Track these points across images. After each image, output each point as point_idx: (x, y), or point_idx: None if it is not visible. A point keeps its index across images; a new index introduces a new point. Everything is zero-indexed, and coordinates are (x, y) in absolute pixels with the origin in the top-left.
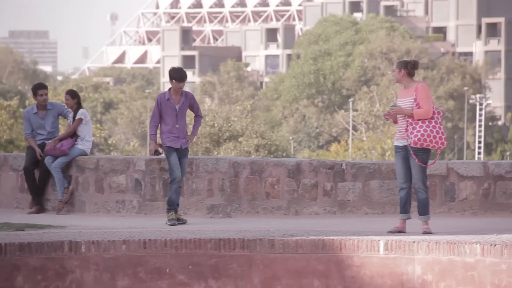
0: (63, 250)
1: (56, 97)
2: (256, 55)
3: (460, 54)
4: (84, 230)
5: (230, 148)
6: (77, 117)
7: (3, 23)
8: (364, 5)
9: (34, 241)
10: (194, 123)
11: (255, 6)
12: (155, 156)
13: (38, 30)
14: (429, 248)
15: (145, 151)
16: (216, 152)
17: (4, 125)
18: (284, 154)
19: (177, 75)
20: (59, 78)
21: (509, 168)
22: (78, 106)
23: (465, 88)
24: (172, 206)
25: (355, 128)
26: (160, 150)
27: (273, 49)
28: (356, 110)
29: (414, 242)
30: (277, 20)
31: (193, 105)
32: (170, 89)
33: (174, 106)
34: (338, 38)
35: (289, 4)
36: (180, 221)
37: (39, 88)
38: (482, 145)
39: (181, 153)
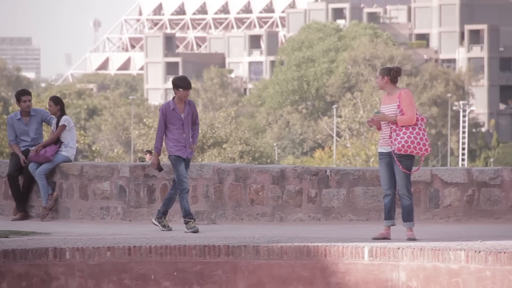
0: (48, 257)
1: (40, 103)
2: (240, 62)
3: (443, 61)
4: (68, 236)
5: (214, 154)
6: (60, 123)
7: None
8: (347, 12)
9: (18, 248)
10: (193, 131)
11: (238, 13)
12: (158, 171)
13: (21, 36)
14: (414, 255)
15: (129, 157)
16: (200, 159)
17: None
18: (268, 161)
19: (183, 83)
20: (43, 84)
21: (493, 175)
22: (62, 112)
23: (449, 94)
24: (190, 216)
25: (339, 135)
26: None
27: (257, 56)
28: (340, 117)
29: (399, 248)
30: (260, 26)
31: (194, 113)
32: (173, 98)
33: (180, 115)
34: (321, 45)
35: (272, 11)
36: (167, 228)
37: (22, 94)
38: (466, 151)
39: (186, 163)
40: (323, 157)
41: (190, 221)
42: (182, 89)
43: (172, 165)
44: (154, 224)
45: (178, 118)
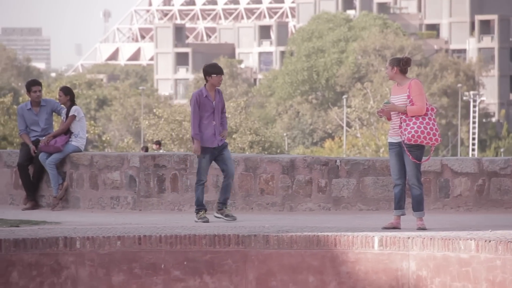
0: (58, 246)
1: (50, 94)
2: (250, 52)
3: (454, 51)
4: (79, 226)
5: None
6: (70, 113)
7: None
8: (357, 2)
9: (29, 237)
10: (222, 119)
11: (248, 3)
12: (202, 158)
13: (31, 27)
14: (424, 244)
15: (139, 148)
16: None
17: None
18: (278, 151)
19: (215, 69)
20: (53, 75)
21: (503, 165)
22: (72, 103)
23: (459, 85)
24: (201, 206)
25: (349, 125)
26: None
27: (267, 46)
28: (350, 107)
29: (409, 238)
30: (270, 17)
31: (222, 101)
32: (205, 85)
33: (212, 103)
34: (331, 35)
35: (282, 1)
36: (230, 218)
37: (32, 84)
38: (476, 141)
39: (219, 150)
40: (333, 147)
41: (201, 212)
42: (216, 75)
43: (197, 155)
44: (217, 217)
45: (210, 106)
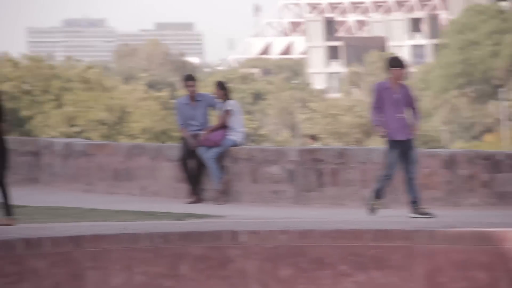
0: (224, 239)
1: (204, 88)
2: (401, 45)
3: None
4: (242, 220)
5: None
6: (226, 108)
7: (149, 15)
8: None
9: (194, 230)
10: (413, 115)
11: None
12: (390, 151)
13: (183, 22)
14: None
15: (295, 141)
16: (367, 143)
17: (157, 115)
18: (438, 145)
19: (395, 62)
20: (207, 69)
21: None
22: (227, 97)
23: None
24: (379, 195)
25: (510, 118)
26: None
27: (418, 39)
28: (509, 100)
29: None
30: (420, 9)
31: (410, 96)
32: (388, 78)
33: (394, 96)
34: (484, 27)
35: None
36: (427, 215)
37: (187, 79)
38: None
39: (408, 145)
40: (493, 141)
41: (376, 199)
42: (399, 68)
43: (387, 148)
44: (413, 218)
45: (391, 99)
